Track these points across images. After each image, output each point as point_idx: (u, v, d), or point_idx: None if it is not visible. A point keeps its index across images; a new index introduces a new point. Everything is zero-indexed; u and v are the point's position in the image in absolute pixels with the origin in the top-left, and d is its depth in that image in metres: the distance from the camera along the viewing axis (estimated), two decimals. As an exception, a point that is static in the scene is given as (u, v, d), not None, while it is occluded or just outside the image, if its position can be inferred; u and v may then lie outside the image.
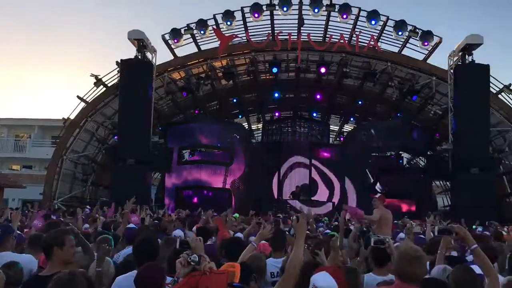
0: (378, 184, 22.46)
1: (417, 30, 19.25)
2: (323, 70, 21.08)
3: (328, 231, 8.21)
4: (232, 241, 5.18)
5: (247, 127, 28.76)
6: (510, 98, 19.74)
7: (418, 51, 20.47)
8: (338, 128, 30.38)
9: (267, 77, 23.85)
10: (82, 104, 20.56)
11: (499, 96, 19.64)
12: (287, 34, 19.99)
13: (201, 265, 2.90)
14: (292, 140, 25.57)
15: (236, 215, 14.60)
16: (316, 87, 23.92)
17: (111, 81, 20.38)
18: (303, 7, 19.46)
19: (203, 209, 14.20)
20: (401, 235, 7.59)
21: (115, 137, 20.33)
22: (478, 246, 3.54)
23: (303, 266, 3.62)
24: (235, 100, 25.30)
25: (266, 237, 4.91)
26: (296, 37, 19.83)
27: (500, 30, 71.17)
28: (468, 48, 18.63)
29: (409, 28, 19.24)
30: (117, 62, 19.42)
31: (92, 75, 19.93)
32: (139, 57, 19.19)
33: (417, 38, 19.48)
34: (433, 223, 9.42)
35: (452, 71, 19.48)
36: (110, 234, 6.01)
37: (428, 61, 20.68)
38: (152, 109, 19.43)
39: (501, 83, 19.42)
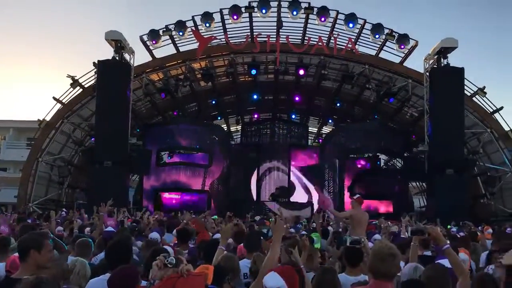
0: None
1: (394, 34, 19.51)
2: (301, 72, 21.23)
3: (304, 232, 8.25)
4: (209, 243, 5.17)
5: (226, 129, 28.74)
6: (484, 101, 20.15)
7: (395, 54, 20.80)
8: (316, 130, 30.58)
9: (246, 79, 23.86)
10: (58, 106, 20.29)
11: (473, 98, 20.02)
12: (266, 36, 20.02)
13: (178, 267, 2.88)
14: (271, 142, 25.65)
15: (215, 217, 14.58)
16: (295, 89, 24.03)
17: (88, 82, 20.16)
18: (282, 9, 19.55)
19: (182, 211, 14.19)
20: (377, 236, 7.68)
21: (92, 138, 20.09)
22: (450, 246, 3.62)
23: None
24: (214, 102, 25.26)
25: (229, 235, 4.89)
26: (274, 39, 19.89)
27: (474, 34, 72.71)
28: (443, 51, 18.96)
29: (386, 31, 19.50)
30: (94, 63, 19.21)
31: (69, 76, 19.69)
32: (117, 58, 19.00)
33: (394, 41, 19.75)
34: (409, 223, 9.58)
35: (427, 74, 19.80)
36: (87, 237, 5.96)
37: (405, 64, 21.00)
38: (130, 110, 19.28)
39: (475, 86, 19.84)
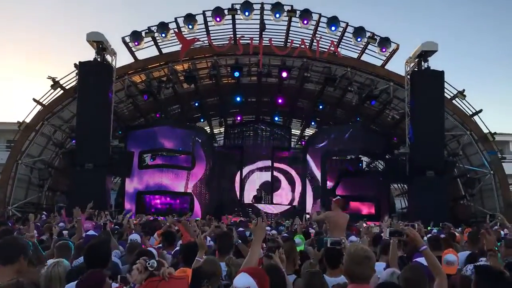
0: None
1: (375, 37, 19.71)
2: (284, 74, 21.25)
3: (285, 235, 8.27)
4: (188, 246, 5.14)
5: (209, 131, 28.69)
6: (464, 103, 20.44)
7: (377, 57, 20.96)
8: (299, 132, 30.70)
9: (229, 81, 23.84)
10: (39, 107, 20.00)
11: (453, 101, 20.29)
12: (249, 38, 20.06)
13: (160, 271, 2.86)
14: (254, 144, 25.71)
15: (198, 218, 14.56)
16: (278, 91, 24.10)
17: (69, 84, 19.92)
18: (265, 12, 19.59)
19: (165, 213, 14.13)
20: (352, 238, 7.74)
21: (73, 141, 19.87)
22: (427, 247, 3.67)
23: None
24: (197, 104, 25.20)
25: (205, 248, 4.85)
26: (257, 41, 19.94)
27: (454, 38, 73.86)
28: (423, 54, 19.18)
29: (368, 34, 19.68)
30: (75, 65, 18.98)
31: (49, 77, 19.40)
32: (98, 59, 18.81)
33: (375, 45, 19.94)
34: (391, 225, 9.68)
35: (408, 77, 20.02)
36: (68, 240, 5.91)
37: (386, 67, 21.19)
38: (112, 112, 19.11)
39: (455, 89, 20.11)
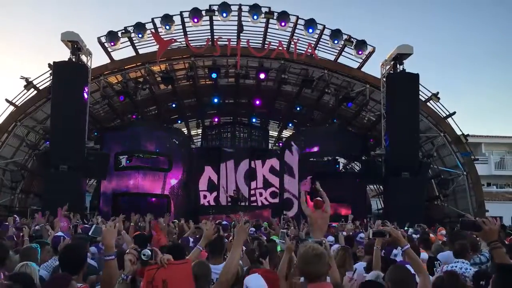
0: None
1: (352, 39, 19.86)
2: (262, 76, 21.31)
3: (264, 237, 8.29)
4: (172, 247, 5.07)
5: (186, 133, 28.52)
6: (438, 106, 20.79)
7: (353, 60, 21.14)
8: (277, 133, 30.80)
9: (207, 82, 23.76)
10: (11, 108, 19.55)
11: (428, 103, 20.62)
12: (226, 40, 20.01)
13: (156, 259, 2.82)
14: (232, 146, 25.65)
15: (175, 221, 14.44)
16: (256, 93, 24.11)
17: (43, 84, 19.52)
18: (242, 13, 19.58)
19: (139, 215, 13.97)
20: (329, 238, 7.81)
21: (47, 142, 19.47)
22: (410, 247, 3.71)
23: (247, 271, 3.59)
24: (174, 105, 24.99)
25: (211, 237, 4.84)
26: (235, 43, 19.92)
27: (429, 41, 75.22)
28: (399, 57, 19.42)
29: (344, 37, 19.84)
30: (49, 65, 18.59)
31: (23, 77, 18.98)
32: (73, 59, 18.47)
33: (352, 47, 20.09)
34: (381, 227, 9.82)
35: (384, 79, 20.26)
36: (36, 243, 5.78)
37: (362, 69, 21.39)
38: (87, 113, 18.79)
39: (430, 91, 20.43)
